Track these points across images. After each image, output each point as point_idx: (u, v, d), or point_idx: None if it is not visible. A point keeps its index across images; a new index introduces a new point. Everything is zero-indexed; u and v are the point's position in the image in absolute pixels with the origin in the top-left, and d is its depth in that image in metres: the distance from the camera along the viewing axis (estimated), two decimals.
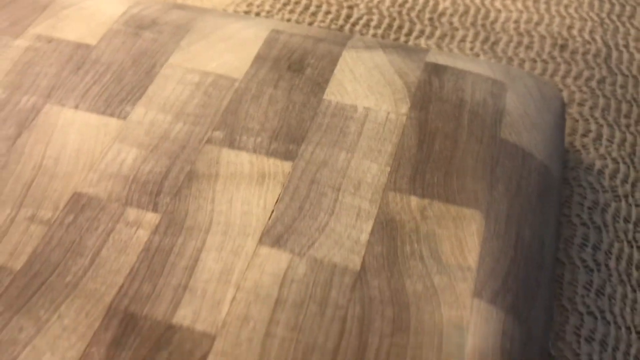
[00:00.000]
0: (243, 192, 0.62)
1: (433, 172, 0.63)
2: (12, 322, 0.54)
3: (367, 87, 0.71)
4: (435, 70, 0.73)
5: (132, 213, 0.61)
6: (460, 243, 0.58)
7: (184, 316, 0.54)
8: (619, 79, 0.93)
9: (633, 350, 0.69)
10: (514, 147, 0.67)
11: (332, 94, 0.71)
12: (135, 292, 0.55)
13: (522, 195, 0.63)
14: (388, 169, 0.64)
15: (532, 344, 0.56)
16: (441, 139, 0.66)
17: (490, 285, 0.56)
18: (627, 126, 0.88)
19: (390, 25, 0.99)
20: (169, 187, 0.63)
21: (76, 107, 0.70)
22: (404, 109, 0.69)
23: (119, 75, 0.73)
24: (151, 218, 0.60)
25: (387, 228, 0.59)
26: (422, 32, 0.99)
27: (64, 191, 0.63)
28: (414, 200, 0.61)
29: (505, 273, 0.57)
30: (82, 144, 0.66)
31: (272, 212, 0.61)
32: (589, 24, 1.00)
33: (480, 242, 0.58)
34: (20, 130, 0.68)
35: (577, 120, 0.87)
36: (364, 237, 0.58)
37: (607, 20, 1.01)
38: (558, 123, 0.73)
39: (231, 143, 0.66)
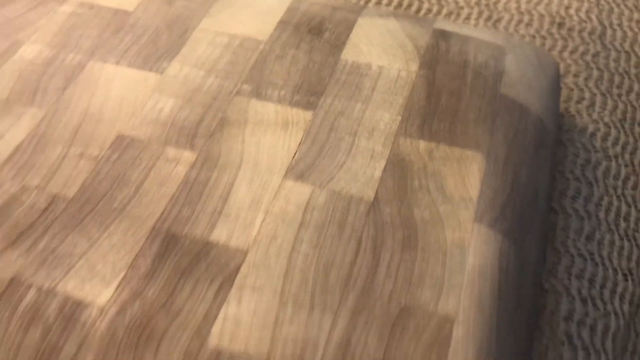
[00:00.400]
0: (269, 136, 0.69)
1: (439, 121, 0.71)
2: (68, 239, 0.61)
3: (381, 48, 0.79)
4: (443, 35, 0.81)
5: (171, 152, 0.68)
6: (463, 179, 0.65)
7: (219, 235, 0.61)
8: (612, 53, 1.00)
9: (619, 289, 0.76)
10: (512, 102, 0.74)
11: (349, 54, 0.78)
12: (176, 216, 0.63)
13: (519, 143, 0.71)
14: (399, 118, 0.71)
15: (527, 270, 0.63)
16: (447, 94, 0.74)
17: (489, 213, 0.63)
18: (619, 95, 0.95)
19: (400, 4, 1.07)
20: (203, 131, 0.70)
21: (117, 63, 0.77)
22: (414, 67, 0.76)
23: (155, 38, 0.80)
24: (188, 156, 0.68)
25: (397, 167, 0.66)
26: (429, 10, 1.06)
27: (108, 134, 0.70)
28: (422, 144, 0.68)
29: (502, 204, 0.64)
30: (124, 94, 0.74)
31: (295, 152, 0.68)
32: (586, 4, 1.08)
33: (481, 178, 0.65)
34: (68, 83, 0.75)
35: (572, 90, 0.95)
36: (377, 173, 0.66)
37: (602, 2, 1.09)
38: (553, 86, 0.81)
39: (258, 95, 0.73)
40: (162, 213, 0.63)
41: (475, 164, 0.67)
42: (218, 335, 0.54)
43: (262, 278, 0.58)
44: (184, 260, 0.59)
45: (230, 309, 0.56)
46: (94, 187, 0.65)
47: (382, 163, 0.67)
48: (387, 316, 0.55)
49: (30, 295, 0.57)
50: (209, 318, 0.55)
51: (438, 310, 0.55)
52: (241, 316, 0.56)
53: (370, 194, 0.64)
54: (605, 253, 0.78)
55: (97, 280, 0.58)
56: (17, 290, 0.58)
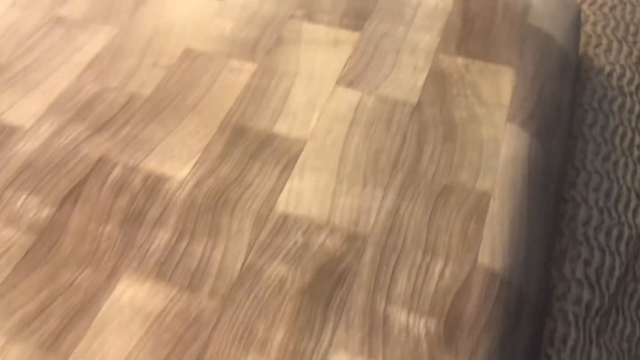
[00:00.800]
0: (321, 52, 0.77)
1: (474, 42, 0.79)
2: (147, 129, 0.69)
3: None
4: None
5: (234, 63, 0.76)
6: (497, 89, 0.73)
7: (280, 128, 0.69)
8: (628, 6, 1.08)
9: (632, 205, 0.84)
10: (538, 31, 0.82)
11: None
12: (242, 112, 0.71)
13: (545, 64, 0.78)
14: (438, 39, 0.79)
15: (551, 165, 0.71)
16: (480, 21, 0.81)
17: (519, 116, 0.71)
18: (634, 43, 1.02)
19: None
20: (262, 47, 0.78)
21: None
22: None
23: None
24: (250, 67, 0.76)
25: (438, 77, 0.74)
26: None
27: (177, 47, 0.78)
28: (460, 60, 0.76)
29: (531, 110, 0.72)
30: (190, 15, 0.82)
31: (345, 65, 0.76)
32: None
33: (512, 89, 0.73)
34: (138, 5, 0.83)
35: (590, 36, 1.02)
36: (420, 83, 0.74)
37: None
38: (575, 23, 0.88)
39: (310, 19, 0.81)
40: (230, 110, 0.71)
41: (507, 77, 0.74)
42: (284, 203, 0.62)
43: (320, 161, 0.66)
44: (252, 146, 0.67)
45: (294, 184, 0.64)
46: (168, 89, 0.73)
47: (424, 75, 0.75)
48: (431, 191, 0.63)
49: (117, 171, 0.65)
50: (276, 190, 0.63)
51: (476, 188, 0.63)
52: (304, 189, 0.63)
53: (413, 99, 0.72)
54: (620, 173, 0.86)
55: (175, 161, 0.66)
56: (105, 167, 0.66)
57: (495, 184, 0.64)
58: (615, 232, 0.80)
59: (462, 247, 0.59)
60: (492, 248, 0.59)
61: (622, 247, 0.79)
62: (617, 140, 0.89)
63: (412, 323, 0.54)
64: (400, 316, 0.54)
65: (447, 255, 0.58)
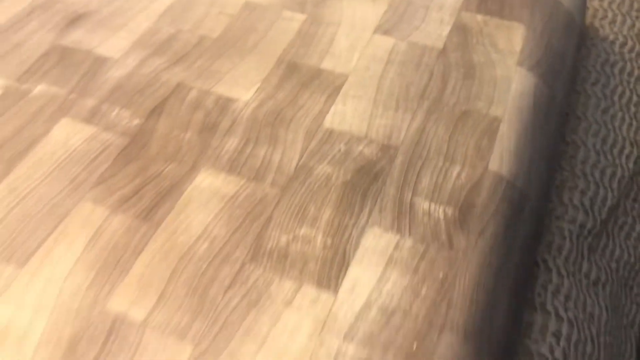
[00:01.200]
0: (361, 6, 0.91)
1: (492, 3, 0.92)
2: (216, 63, 0.83)
3: None
4: None
5: (287, 13, 0.90)
6: (510, 40, 0.86)
7: (326, 65, 0.83)
8: None
9: (626, 151, 0.96)
10: None
11: None
12: (295, 52, 0.84)
13: (553, 23, 0.91)
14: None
15: (554, 104, 0.83)
16: None
17: (528, 62, 0.84)
18: (637, 17, 1.15)
19: None
20: (311, 1, 0.92)
21: None
22: None
23: None
24: (300, 17, 0.89)
25: (460, 30, 0.87)
26: None
27: (239, 1, 0.92)
28: (479, 16, 0.89)
29: (539, 58, 0.85)
30: None
31: (381, 17, 0.89)
32: None
33: (523, 40, 0.86)
34: None
35: (597, 10, 1.15)
36: (445, 33, 0.87)
37: None
38: None
39: None
40: (284, 50, 0.85)
41: (519, 31, 0.87)
42: (330, 122, 0.76)
43: (359, 91, 0.79)
44: (303, 78, 0.81)
45: (338, 107, 0.77)
46: (232, 32, 0.87)
47: (449, 27, 0.88)
48: (452, 115, 0.76)
49: (193, 93, 0.79)
50: (323, 112, 0.77)
51: (489, 113, 0.76)
52: (346, 112, 0.77)
53: (439, 45, 0.85)
54: (617, 124, 0.98)
55: (240, 87, 0.80)
56: (182, 90, 0.80)
57: (505, 111, 0.77)
58: (609, 171, 0.92)
59: (476, 156, 0.72)
60: (501, 158, 0.72)
61: (615, 184, 0.92)
62: (616, 97, 1.02)
63: (433, 209, 0.67)
64: (423, 204, 0.67)
65: (463, 162, 0.71)
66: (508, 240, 0.67)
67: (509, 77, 0.81)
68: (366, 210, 0.67)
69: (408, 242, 0.64)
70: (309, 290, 0.61)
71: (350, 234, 0.65)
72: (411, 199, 0.68)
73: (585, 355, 0.75)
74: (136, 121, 0.76)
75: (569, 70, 0.91)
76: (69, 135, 0.74)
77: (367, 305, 0.60)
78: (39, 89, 0.80)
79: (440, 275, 0.61)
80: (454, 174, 0.70)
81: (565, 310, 0.76)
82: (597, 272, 0.85)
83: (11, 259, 0.63)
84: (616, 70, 1.06)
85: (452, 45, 0.85)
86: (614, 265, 0.88)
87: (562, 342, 0.74)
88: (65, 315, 0.59)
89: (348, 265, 0.63)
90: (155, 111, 0.77)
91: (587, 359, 0.75)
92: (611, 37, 1.10)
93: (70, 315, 0.59)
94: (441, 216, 0.66)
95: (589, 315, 0.79)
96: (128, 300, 0.60)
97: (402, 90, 0.79)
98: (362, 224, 0.66)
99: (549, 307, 0.76)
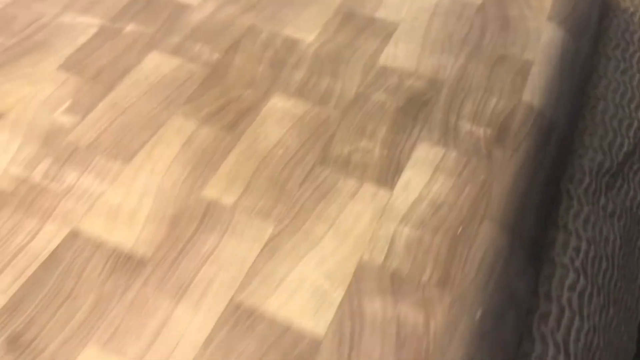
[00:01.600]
0: None
1: None
2: (282, 11, 0.95)
3: None
4: None
5: None
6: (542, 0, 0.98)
7: (379, 14, 0.94)
8: None
9: (635, 127, 1.07)
10: None
11: None
12: (350, 3, 0.96)
13: None
14: None
15: (580, 56, 0.94)
16: None
17: (557, 17, 0.95)
18: None
19: None
20: None
21: None
22: None
23: None
24: None
25: None
26: None
27: None
28: None
29: (566, 15, 0.96)
30: None
31: None
32: None
33: (553, 1, 0.97)
34: None
35: None
36: (480, 1, 0.99)
37: None
38: None
39: None
40: (342, 1, 0.96)
41: None
42: (384, 60, 0.87)
43: (409, 36, 0.91)
44: (358, 24, 0.93)
45: (390, 49, 0.89)
46: None
47: None
48: (490, 58, 0.88)
49: (264, 34, 0.91)
50: (377, 52, 0.89)
51: (523, 57, 0.88)
52: (397, 53, 0.89)
53: (479, 1, 0.97)
54: (635, 83, 1.09)
55: (303, 31, 0.92)
56: (254, 31, 0.91)
57: (536, 56, 0.88)
58: (626, 122, 1.03)
59: (511, 90, 0.83)
60: (533, 93, 0.83)
61: (631, 134, 1.03)
62: (634, 61, 1.12)
63: (474, 129, 0.78)
64: (466, 126, 0.79)
65: (500, 94, 0.83)
66: (538, 159, 0.78)
67: (539, 29, 0.92)
68: (416, 130, 0.78)
69: (453, 154, 0.76)
70: (370, 187, 0.72)
71: (403, 147, 0.76)
72: (455, 122, 0.79)
73: (601, 269, 0.86)
74: (216, 55, 0.88)
75: (593, 32, 1.02)
76: (158, 65, 0.86)
77: (419, 200, 0.71)
78: (129, 28, 0.92)
79: (481, 177, 0.73)
80: (492, 103, 0.82)
81: (585, 230, 0.87)
82: (613, 206, 0.96)
83: (118, 156, 0.75)
84: (635, 38, 1.16)
85: (490, 1, 0.97)
86: (628, 203, 0.99)
87: (582, 256, 0.85)
88: (167, 200, 0.71)
89: (402, 170, 0.74)
90: (232, 48, 0.89)
91: (602, 273, 0.86)
92: (631, 9, 1.21)
93: (171, 200, 0.71)
94: (481, 135, 0.78)
95: (604, 238, 0.90)
96: (219, 189, 0.72)
97: (446, 37, 0.91)
98: (413, 140, 0.77)
99: (570, 227, 0.87)
